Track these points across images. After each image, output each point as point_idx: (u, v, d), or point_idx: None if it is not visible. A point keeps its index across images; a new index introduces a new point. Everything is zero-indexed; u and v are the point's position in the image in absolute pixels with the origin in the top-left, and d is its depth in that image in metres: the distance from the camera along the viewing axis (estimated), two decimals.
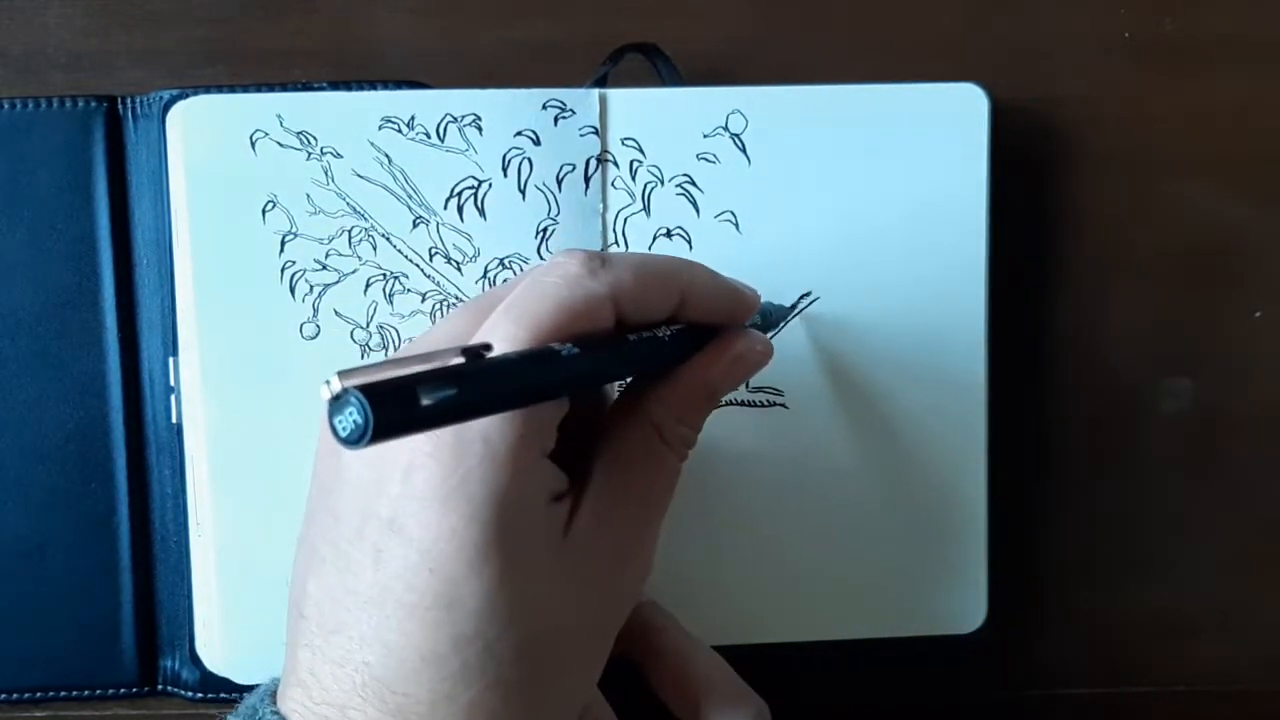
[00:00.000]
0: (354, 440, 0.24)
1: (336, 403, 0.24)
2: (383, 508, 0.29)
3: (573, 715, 0.33)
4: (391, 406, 0.24)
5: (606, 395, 0.36)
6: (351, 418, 0.24)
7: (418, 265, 0.40)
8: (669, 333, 0.33)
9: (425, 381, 0.25)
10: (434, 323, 0.40)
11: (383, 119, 0.40)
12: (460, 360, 0.27)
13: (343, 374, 0.24)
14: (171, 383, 0.41)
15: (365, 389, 0.24)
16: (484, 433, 0.29)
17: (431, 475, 0.29)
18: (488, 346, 0.28)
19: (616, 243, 0.41)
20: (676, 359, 0.34)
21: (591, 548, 0.32)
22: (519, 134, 0.40)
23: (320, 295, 0.40)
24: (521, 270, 0.40)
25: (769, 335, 0.41)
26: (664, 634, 0.39)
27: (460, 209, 0.40)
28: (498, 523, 0.29)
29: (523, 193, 0.40)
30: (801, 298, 0.42)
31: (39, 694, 0.43)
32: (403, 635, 0.29)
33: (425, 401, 0.25)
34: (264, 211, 0.40)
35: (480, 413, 0.27)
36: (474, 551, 0.29)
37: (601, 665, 0.34)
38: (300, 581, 0.31)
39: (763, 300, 0.37)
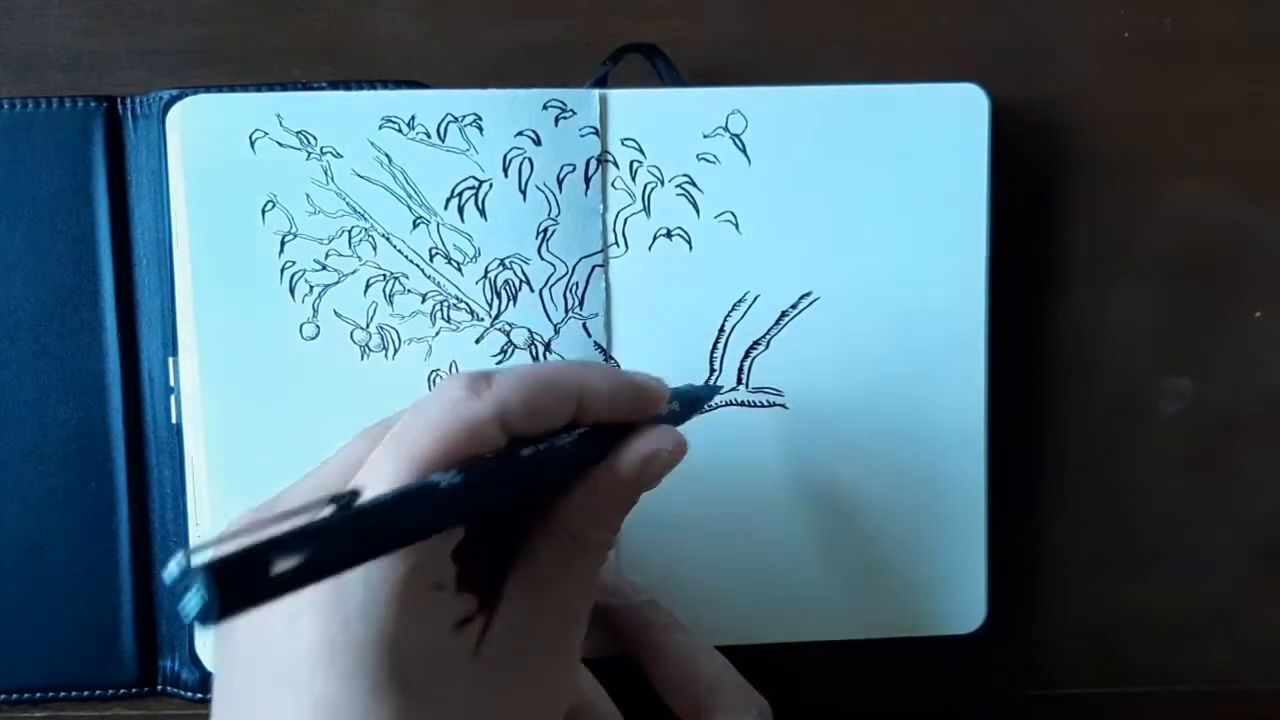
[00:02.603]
0: (204, 619, 0.22)
1: (182, 582, 0.22)
2: (274, 654, 0.29)
3: None
4: (240, 582, 0.22)
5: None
6: (197, 597, 0.22)
7: (418, 265, 0.40)
8: (571, 439, 0.31)
9: (281, 546, 0.23)
10: (434, 323, 0.40)
11: (383, 119, 0.40)
12: (330, 509, 0.26)
13: (190, 551, 0.23)
14: (171, 383, 0.41)
15: (213, 565, 0.22)
16: (365, 575, 0.28)
17: (315, 624, 0.28)
18: (355, 494, 0.27)
19: (617, 243, 0.41)
20: (587, 462, 0.32)
21: (507, 667, 0.31)
22: (520, 134, 0.40)
23: (320, 296, 0.40)
24: (523, 270, 0.40)
25: (695, 414, 0.39)
26: (665, 633, 0.39)
27: (461, 209, 0.40)
28: (389, 662, 0.29)
29: (523, 193, 0.40)
30: (801, 298, 0.42)
31: (39, 694, 0.43)
32: None
33: (281, 568, 0.23)
34: (263, 211, 0.40)
35: (350, 564, 0.26)
36: (368, 695, 0.28)
37: None
38: None
39: (677, 386, 0.35)
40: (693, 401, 0.38)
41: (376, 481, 0.29)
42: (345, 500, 0.27)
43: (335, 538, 0.25)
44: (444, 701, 0.30)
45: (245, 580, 0.23)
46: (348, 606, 0.28)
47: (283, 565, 0.23)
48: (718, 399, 0.42)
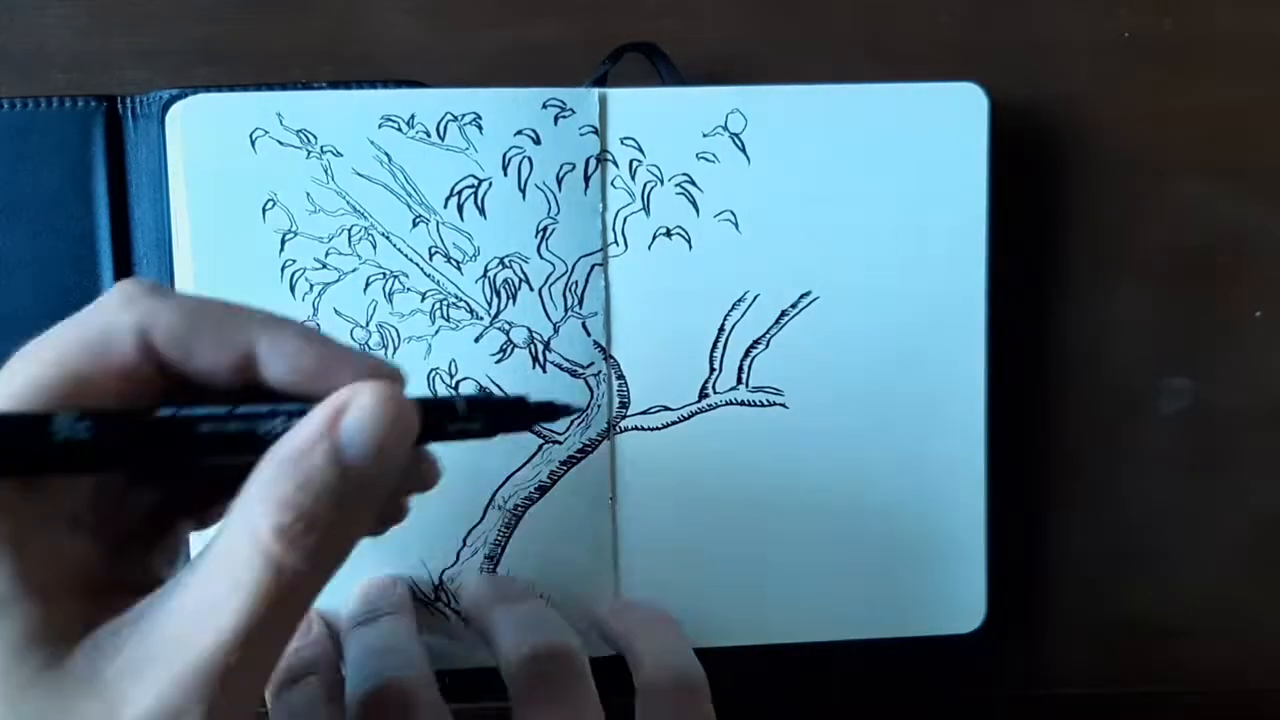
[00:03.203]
0: None
1: None
2: None
3: None
4: None
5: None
6: None
7: (418, 264, 0.40)
8: (283, 411, 0.25)
9: None
10: (433, 322, 0.40)
11: (383, 117, 0.40)
12: None
13: None
14: None
15: None
16: None
17: None
18: None
19: (616, 242, 0.41)
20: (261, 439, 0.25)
21: (96, 690, 0.23)
22: (519, 133, 0.40)
23: (320, 294, 0.40)
24: (522, 269, 0.40)
25: (516, 432, 0.29)
26: None
27: (460, 208, 0.40)
28: None
29: (523, 192, 0.40)
30: (801, 298, 0.42)
31: None
32: None
33: None
34: (264, 210, 0.40)
35: None
36: None
37: None
38: None
39: (472, 394, 0.27)
40: (502, 411, 0.28)
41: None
42: None
43: None
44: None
45: None
46: None
47: None
48: (717, 399, 0.42)
